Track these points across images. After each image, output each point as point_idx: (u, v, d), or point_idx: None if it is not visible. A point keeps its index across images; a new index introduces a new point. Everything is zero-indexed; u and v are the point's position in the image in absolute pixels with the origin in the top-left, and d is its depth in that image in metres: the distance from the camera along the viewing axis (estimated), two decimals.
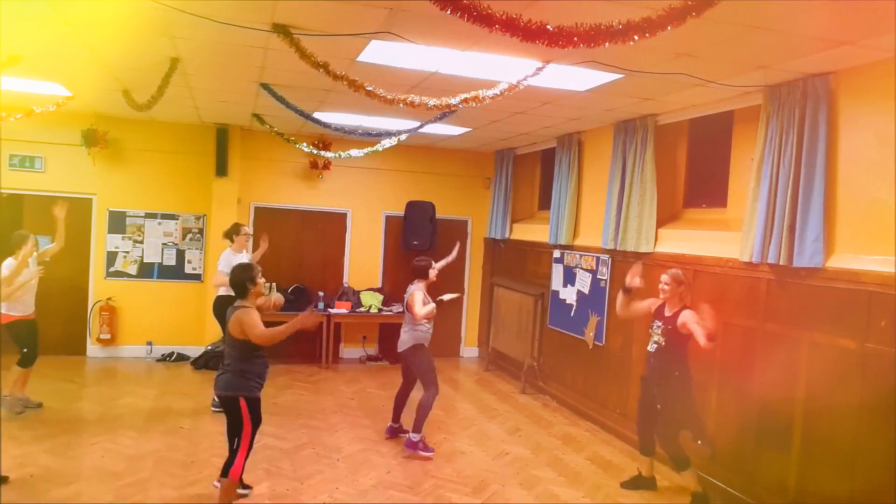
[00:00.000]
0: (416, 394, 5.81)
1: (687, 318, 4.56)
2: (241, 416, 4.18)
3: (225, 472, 4.17)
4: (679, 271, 4.84)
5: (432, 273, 5.76)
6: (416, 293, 5.61)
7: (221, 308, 6.12)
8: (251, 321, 4.09)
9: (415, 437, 5.60)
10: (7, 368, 5.92)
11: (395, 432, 6.02)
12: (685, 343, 4.64)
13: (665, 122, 6.00)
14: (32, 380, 6.35)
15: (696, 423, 4.76)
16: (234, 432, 4.23)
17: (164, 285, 8.70)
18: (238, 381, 4.19)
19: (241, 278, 4.27)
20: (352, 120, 7.32)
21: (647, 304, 5.01)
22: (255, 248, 7.35)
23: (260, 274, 4.34)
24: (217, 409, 6.28)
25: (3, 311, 5.70)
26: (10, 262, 5.76)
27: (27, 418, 5.93)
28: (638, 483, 5.13)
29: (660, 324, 4.80)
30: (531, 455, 5.83)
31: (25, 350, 6.01)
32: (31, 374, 6.22)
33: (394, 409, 6.06)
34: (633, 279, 4.92)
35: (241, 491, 4.51)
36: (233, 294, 4.36)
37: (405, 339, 5.72)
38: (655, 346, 4.82)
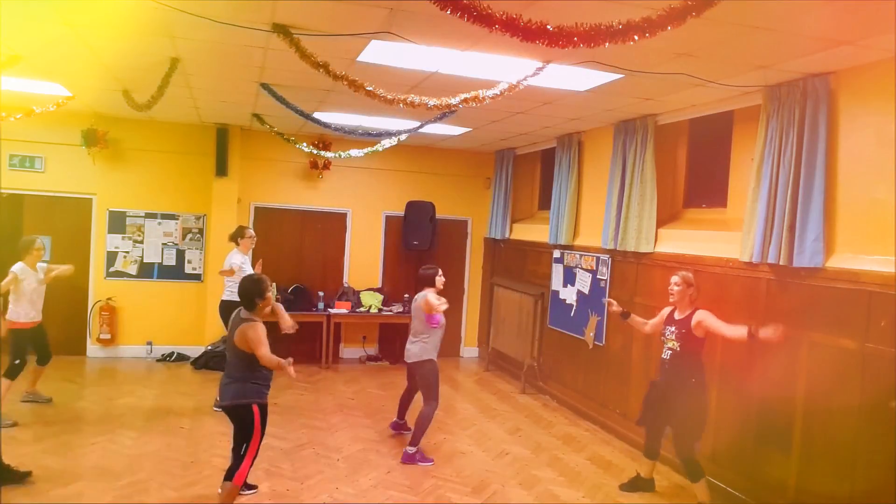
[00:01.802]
0: (420, 396, 5.76)
1: (703, 316, 4.50)
2: (252, 423, 4.12)
3: (229, 476, 4.12)
4: (689, 273, 4.72)
5: (439, 281, 5.68)
6: (429, 293, 5.54)
7: (227, 311, 6.13)
8: (257, 338, 4.01)
9: (411, 449, 5.51)
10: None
11: (399, 427, 6.04)
12: (700, 346, 4.57)
13: (665, 122, 6.00)
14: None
15: (701, 430, 4.64)
16: (242, 438, 4.19)
17: (164, 285, 8.69)
18: (249, 387, 4.13)
19: (251, 291, 4.13)
20: (352, 120, 7.32)
21: (656, 320, 4.94)
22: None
23: (269, 288, 4.23)
24: (219, 409, 6.28)
25: (12, 318, 5.83)
26: (21, 267, 5.87)
27: (28, 418, 5.93)
28: (636, 485, 5.08)
29: (673, 329, 4.66)
30: (531, 455, 5.82)
31: (17, 362, 5.89)
32: (42, 373, 6.34)
33: (399, 407, 6.08)
34: (611, 306, 5.23)
35: (246, 492, 4.50)
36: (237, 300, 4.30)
37: (415, 352, 5.57)
38: (670, 352, 4.66)
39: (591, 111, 6.18)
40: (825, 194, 4.23)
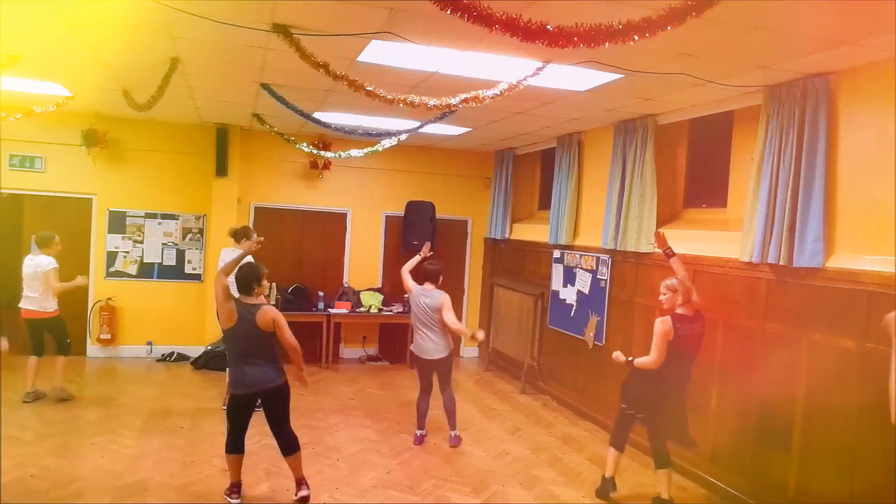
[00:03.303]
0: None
1: (655, 328, 4.50)
2: (288, 397, 4.53)
3: (295, 448, 4.52)
4: (674, 280, 4.62)
5: (440, 278, 5.89)
6: (449, 309, 5.70)
7: None
8: (283, 321, 4.38)
9: (456, 432, 5.95)
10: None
11: (425, 440, 5.97)
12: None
13: (665, 122, 6.00)
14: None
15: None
16: (279, 416, 4.51)
17: (164, 285, 8.70)
18: (281, 367, 4.47)
19: (249, 277, 4.38)
20: (352, 120, 7.32)
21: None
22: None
23: (266, 275, 4.49)
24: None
25: (48, 308, 6.39)
26: (48, 260, 6.30)
27: (28, 418, 5.94)
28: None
29: None
30: (531, 455, 5.82)
31: (69, 341, 6.65)
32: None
33: (419, 416, 5.96)
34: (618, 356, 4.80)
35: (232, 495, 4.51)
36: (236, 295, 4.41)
37: (441, 347, 5.73)
38: None
39: (591, 111, 6.18)
40: (825, 194, 4.23)
